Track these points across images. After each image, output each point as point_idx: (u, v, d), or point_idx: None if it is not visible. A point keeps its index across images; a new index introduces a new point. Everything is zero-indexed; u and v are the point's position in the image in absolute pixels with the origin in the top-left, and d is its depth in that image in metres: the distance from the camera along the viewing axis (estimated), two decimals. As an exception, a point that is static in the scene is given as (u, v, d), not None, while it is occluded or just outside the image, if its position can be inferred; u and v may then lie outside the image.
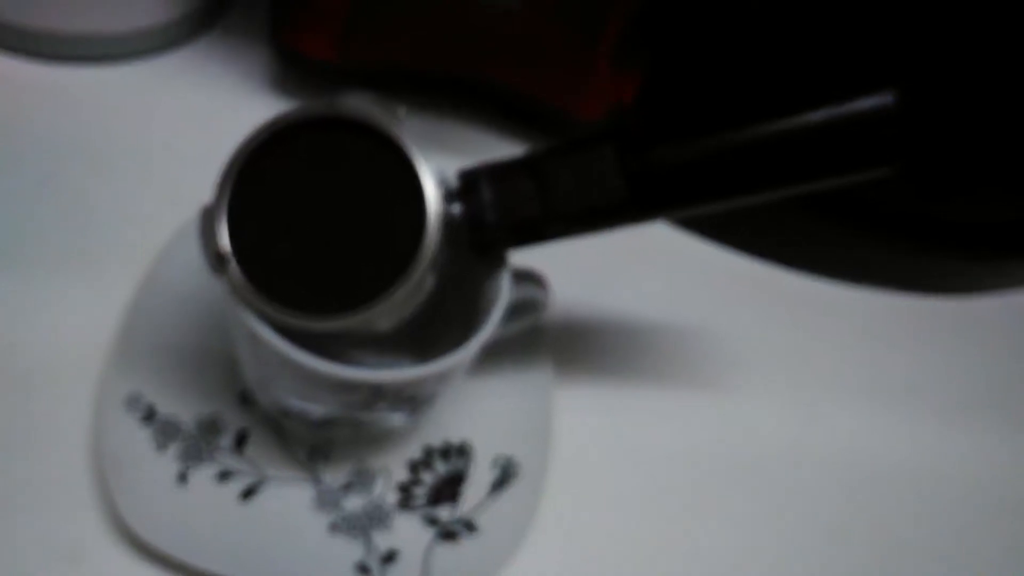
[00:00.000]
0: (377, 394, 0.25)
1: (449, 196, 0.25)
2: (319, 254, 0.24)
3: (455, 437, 0.31)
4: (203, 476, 0.27)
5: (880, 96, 0.24)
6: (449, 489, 0.29)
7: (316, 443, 0.29)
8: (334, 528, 0.28)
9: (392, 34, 0.37)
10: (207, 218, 0.24)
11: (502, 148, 0.41)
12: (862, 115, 0.24)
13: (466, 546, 0.28)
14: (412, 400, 0.26)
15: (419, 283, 0.23)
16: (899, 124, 0.24)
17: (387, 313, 0.23)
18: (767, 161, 0.24)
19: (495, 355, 0.31)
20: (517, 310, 0.29)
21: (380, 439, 0.30)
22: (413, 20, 0.37)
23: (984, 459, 0.37)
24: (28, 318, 0.31)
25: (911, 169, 0.25)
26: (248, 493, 0.28)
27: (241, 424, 0.29)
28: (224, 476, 0.28)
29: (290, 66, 0.39)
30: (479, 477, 0.30)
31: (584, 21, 0.36)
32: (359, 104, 0.24)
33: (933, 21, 0.41)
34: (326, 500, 0.28)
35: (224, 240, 0.23)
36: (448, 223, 0.24)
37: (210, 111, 0.39)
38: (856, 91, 0.24)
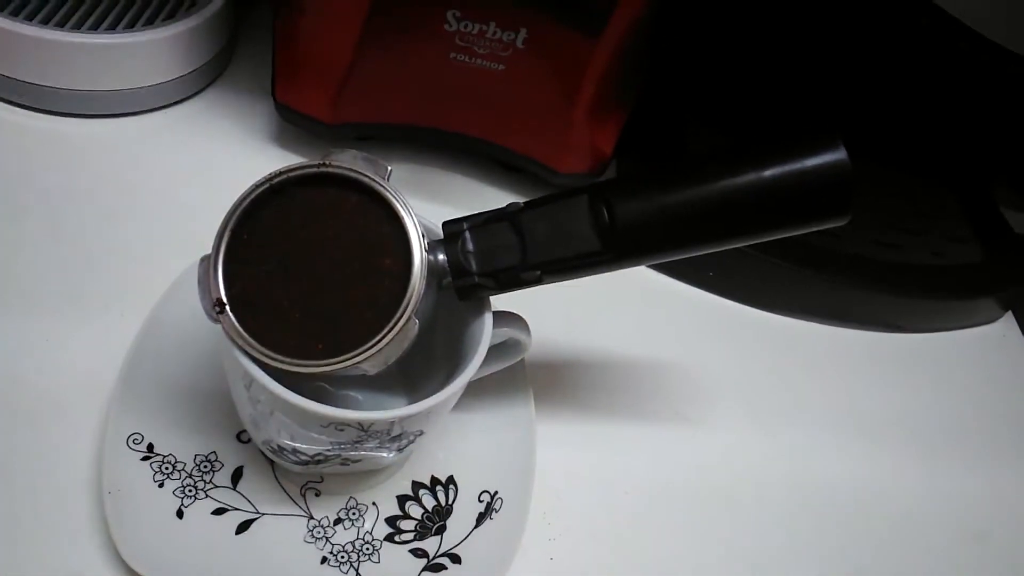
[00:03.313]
0: (365, 432, 0.26)
1: (434, 245, 0.27)
2: (310, 301, 0.25)
3: (441, 472, 0.32)
4: (199, 511, 0.29)
5: (832, 150, 0.26)
6: (435, 522, 0.31)
7: (308, 479, 0.31)
8: (325, 561, 0.29)
9: (384, 95, 0.39)
10: (205, 267, 0.25)
11: (488, 196, 0.43)
12: (815, 169, 0.26)
13: (452, 578, 0.29)
14: (399, 437, 0.28)
15: (404, 330, 0.25)
16: (852, 177, 0.26)
17: (373, 359, 0.25)
18: (724, 215, 0.26)
19: (479, 393, 0.32)
20: (499, 350, 0.31)
21: (369, 475, 0.31)
22: (403, 82, 0.39)
23: (942, 487, 0.38)
24: (36, 357, 0.32)
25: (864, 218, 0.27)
26: (243, 527, 0.29)
27: (237, 462, 0.30)
28: (220, 511, 0.29)
29: (288, 122, 0.41)
30: (464, 510, 0.31)
31: (562, 81, 0.38)
32: (350, 160, 0.26)
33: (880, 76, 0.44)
34: (317, 534, 0.30)
35: (220, 288, 0.25)
36: (432, 271, 0.26)
37: (211, 162, 0.41)
38: (808, 144, 0.26)
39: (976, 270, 0.46)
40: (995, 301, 0.46)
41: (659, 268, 0.43)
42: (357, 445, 0.27)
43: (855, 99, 0.47)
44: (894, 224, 0.46)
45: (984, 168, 0.51)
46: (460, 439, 0.33)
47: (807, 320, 0.43)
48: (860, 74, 0.47)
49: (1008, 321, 0.47)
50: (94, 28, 0.39)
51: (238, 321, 0.25)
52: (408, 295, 0.25)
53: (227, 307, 0.25)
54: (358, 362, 0.24)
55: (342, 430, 0.26)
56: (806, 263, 0.42)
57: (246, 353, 0.25)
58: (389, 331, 0.24)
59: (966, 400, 0.42)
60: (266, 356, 0.25)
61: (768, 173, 0.26)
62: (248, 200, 0.25)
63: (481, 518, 0.31)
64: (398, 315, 0.25)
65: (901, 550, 0.35)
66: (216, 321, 0.25)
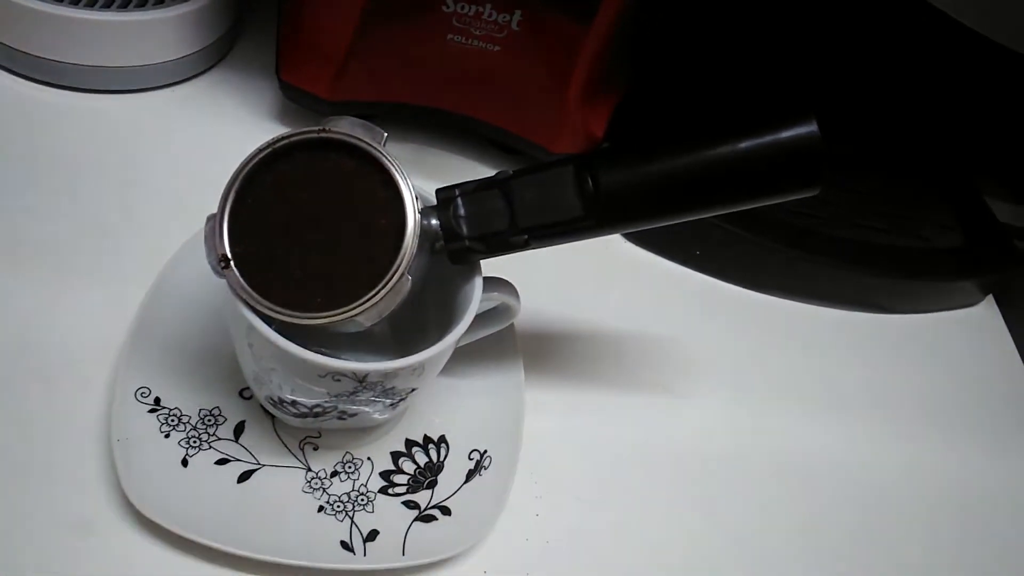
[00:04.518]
0: (361, 384, 0.28)
1: (427, 210, 0.28)
2: (310, 259, 0.27)
3: (434, 432, 0.34)
4: (203, 460, 0.30)
5: (804, 123, 0.27)
6: (427, 477, 0.32)
7: (306, 434, 0.32)
8: (321, 510, 0.30)
9: (384, 74, 0.41)
10: (211, 225, 0.27)
11: (483, 175, 0.45)
12: (787, 141, 0.27)
13: (441, 528, 0.31)
14: (393, 392, 0.29)
15: (397, 286, 0.26)
16: (823, 149, 0.27)
17: (368, 312, 0.26)
18: (702, 185, 0.27)
19: (472, 359, 0.34)
20: (490, 315, 0.32)
21: (365, 432, 0.33)
22: (403, 62, 0.40)
23: (921, 464, 0.39)
24: (49, 317, 0.34)
25: (836, 190, 0.29)
26: (244, 477, 0.30)
27: (239, 416, 0.32)
28: (222, 462, 0.31)
29: (291, 100, 0.43)
30: (455, 467, 0.33)
31: (555, 64, 0.39)
32: (348, 126, 0.27)
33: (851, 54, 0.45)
34: (315, 485, 0.31)
35: (225, 245, 0.26)
36: (425, 234, 0.28)
37: (216, 138, 0.42)
38: (783, 118, 0.27)
39: (959, 255, 0.47)
40: (976, 285, 0.48)
41: (647, 246, 0.44)
42: (353, 397, 0.28)
43: (844, 87, 0.48)
44: (879, 208, 0.47)
45: (969, 157, 0.52)
46: (453, 402, 0.34)
47: (791, 299, 0.45)
48: (848, 64, 0.49)
49: (989, 304, 0.48)
50: (107, 6, 0.40)
51: (242, 276, 0.26)
52: (402, 253, 0.26)
53: (231, 263, 0.26)
54: (354, 315, 0.26)
55: (339, 380, 0.27)
56: (792, 243, 0.43)
57: (249, 306, 0.26)
58: (384, 286, 0.26)
59: (946, 380, 0.44)
60: (268, 309, 0.26)
61: (743, 145, 0.27)
62: (252, 163, 0.27)
63: (471, 474, 0.32)
64: (392, 271, 0.26)
65: (880, 527, 0.37)
66: (221, 276, 0.26)
